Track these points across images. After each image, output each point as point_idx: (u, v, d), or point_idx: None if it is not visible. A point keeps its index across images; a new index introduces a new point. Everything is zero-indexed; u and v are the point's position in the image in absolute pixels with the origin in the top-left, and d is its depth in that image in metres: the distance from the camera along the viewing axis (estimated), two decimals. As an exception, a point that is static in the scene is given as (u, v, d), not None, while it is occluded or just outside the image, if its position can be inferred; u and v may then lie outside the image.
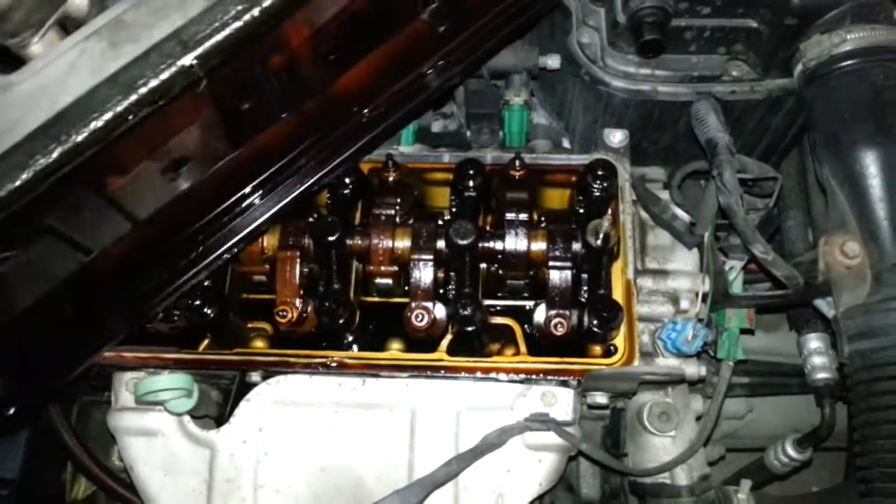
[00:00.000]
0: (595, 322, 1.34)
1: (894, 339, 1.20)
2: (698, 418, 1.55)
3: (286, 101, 1.24)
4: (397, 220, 1.44)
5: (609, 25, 1.49)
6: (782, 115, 1.56)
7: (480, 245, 1.37)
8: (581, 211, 1.46)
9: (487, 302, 1.45)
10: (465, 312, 1.32)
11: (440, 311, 1.37)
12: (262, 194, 1.34)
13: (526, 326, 1.43)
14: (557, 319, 1.34)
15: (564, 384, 1.38)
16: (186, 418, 1.40)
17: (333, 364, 1.38)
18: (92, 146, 1.00)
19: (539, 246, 1.39)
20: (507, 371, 1.38)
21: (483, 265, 1.45)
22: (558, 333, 1.34)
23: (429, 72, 1.38)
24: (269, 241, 1.43)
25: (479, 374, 1.38)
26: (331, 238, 1.36)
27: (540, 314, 1.39)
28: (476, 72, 1.61)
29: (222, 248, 1.33)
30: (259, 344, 1.43)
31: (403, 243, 1.41)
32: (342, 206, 1.46)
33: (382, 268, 1.42)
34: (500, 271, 1.44)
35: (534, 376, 1.38)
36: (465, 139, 1.68)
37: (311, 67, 1.22)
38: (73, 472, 1.69)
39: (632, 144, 1.54)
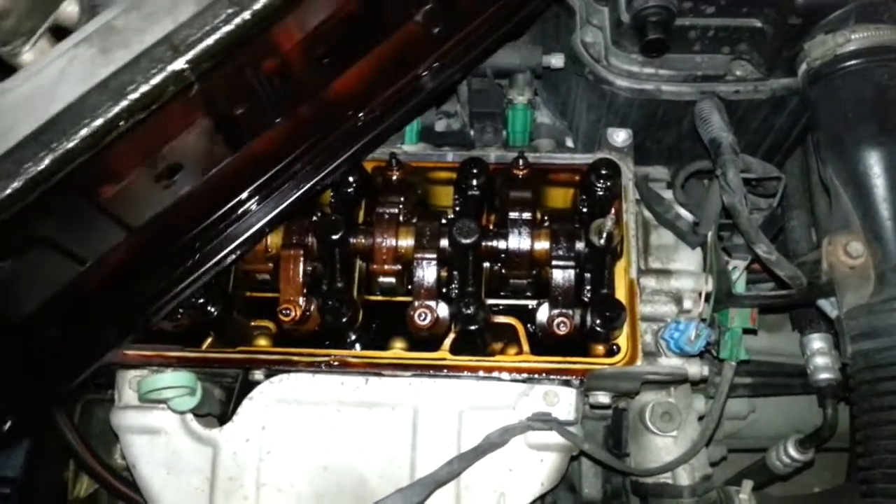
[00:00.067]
0: (598, 321, 1.34)
1: (898, 340, 1.20)
2: (700, 418, 1.55)
3: (280, 105, 1.23)
4: (401, 218, 1.44)
5: (613, 24, 1.48)
6: (786, 115, 1.56)
7: (483, 244, 1.37)
8: (584, 210, 1.46)
9: (490, 301, 1.45)
10: (468, 311, 1.32)
11: (443, 310, 1.37)
12: (258, 200, 1.33)
13: (529, 326, 1.43)
14: (560, 319, 1.34)
15: (567, 384, 1.38)
16: (189, 416, 1.40)
17: (336, 363, 1.38)
18: (83, 153, 0.98)
19: (542, 245, 1.39)
20: (509, 370, 1.38)
21: (486, 264, 1.45)
22: (561, 333, 1.34)
23: (424, 74, 1.37)
24: (273, 240, 1.43)
25: (481, 374, 1.38)
26: (334, 237, 1.36)
27: (543, 313, 1.39)
28: (472, 73, 1.60)
29: (219, 256, 1.32)
30: (262, 342, 1.44)
31: (407, 242, 1.41)
32: (346, 204, 1.46)
33: (386, 266, 1.42)
34: (503, 270, 1.44)
35: (536, 376, 1.37)
36: (469, 138, 1.68)
37: (305, 71, 1.21)
38: (76, 470, 1.69)
39: (635, 144, 1.54)
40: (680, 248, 1.53)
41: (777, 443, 1.62)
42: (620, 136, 1.54)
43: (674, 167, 1.69)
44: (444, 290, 1.42)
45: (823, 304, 1.36)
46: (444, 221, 1.43)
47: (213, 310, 1.37)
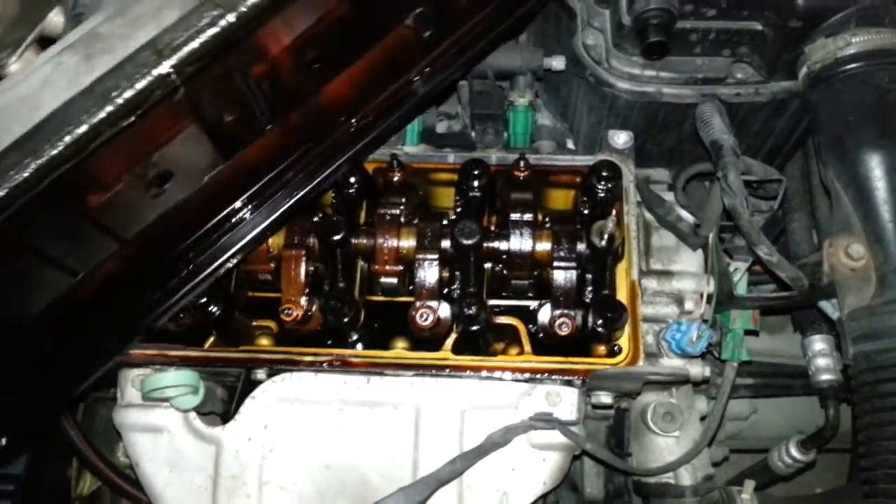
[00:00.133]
0: (599, 322, 1.34)
1: (899, 341, 1.20)
2: (702, 419, 1.55)
3: (271, 112, 1.21)
4: (402, 219, 1.44)
5: (614, 27, 1.49)
6: (787, 118, 1.56)
7: (485, 245, 1.38)
8: (585, 212, 1.47)
9: (492, 302, 1.46)
10: (470, 312, 1.33)
11: (445, 310, 1.38)
12: (251, 209, 1.32)
13: (530, 326, 1.44)
14: (562, 319, 1.35)
15: (569, 384, 1.39)
16: (192, 415, 1.41)
17: (338, 362, 1.39)
18: (68, 160, 0.97)
19: (544, 246, 1.39)
20: (511, 370, 1.38)
21: (487, 265, 1.45)
22: (563, 333, 1.34)
23: (416, 78, 1.37)
24: (275, 240, 1.43)
25: (483, 374, 1.38)
26: (336, 237, 1.37)
27: (544, 314, 1.40)
28: (472, 74, 1.60)
29: (214, 265, 1.31)
30: (264, 342, 1.44)
31: (408, 243, 1.41)
32: (347, 205, 1.46)
33: (387, 267, 1.43)
34: (505, 271, 1.44)
35: (538, 376, 1.38)
36: (470, 139, 1.69)
37: (295, 76, 1.20)
38: (79, 468, 1.70)
39: (636, 146, 1.55)
40: (681, 250, 1.53)
41: (779, 443, 1.62)
42: (621, 138, 1.54)
43: (675, 169, 1.70)
44: (445, 291, 1.42)
45: (825, 305, 1.37)
46: (445, 222, 1.44)
47: (215, 309, 1.37)
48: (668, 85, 1.49)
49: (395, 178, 1.51)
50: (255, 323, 1.47)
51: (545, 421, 1.35)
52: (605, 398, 1.48)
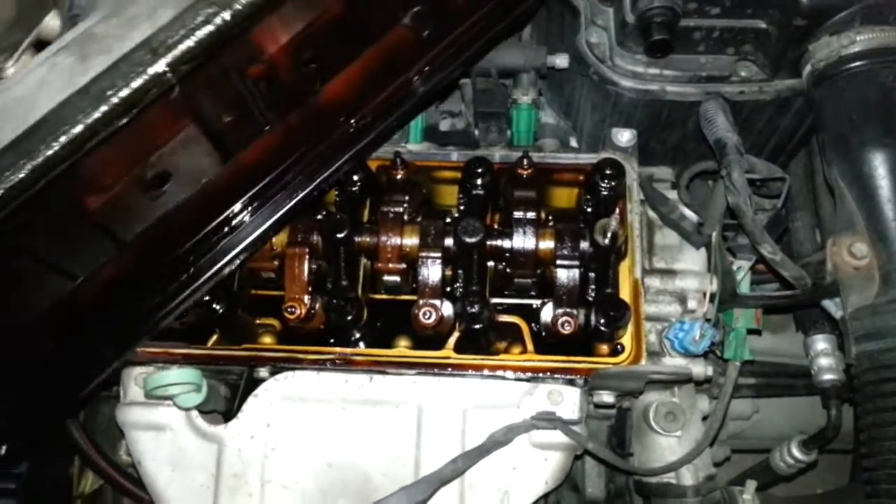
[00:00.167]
0: (602, 321, 1.34)
1: (902, 341, 1.20)
2: (704, 418, 1.55)
3: (270, 112, 1.21)
4: (405, 217, 1.44)
5: (618, 25, 1.49)
6: (791, 116, 1.56)
7: (488, 243, 1.38)
8: (589, 210, 1.47)
9: (495, 300, 1.46)
10: (473, 310, 1.33)
11: (448, 308, 1.38)
12: (251, 211, 1.31)
13: (533, 325, 1.44)
14: (565, 318, 1.34)
15: (571, 383, 1.39)
16: (194, 413, 1.41)
17: (341, 361, 1.39)
18: (64, 160, 0.96)
19: (547, 244, 1.39)
20: (513, 369, 1.38)
21: (490, 263, 1.45)
22: (565, 332, 1.34)
23: (415, 78, 1.36)
24: (278, 238, 1.43)
25: (485, 372, 1.38)
26: (339, 235, 1.37)
27: (547, 313, 1.39)
28: (476, 72, 1.59)
29: (214, 269, 1.31)
30: (267, 340, 1.44)
31: (411, 241, 1.41)
32: (351, 203, 1.46)
33: (390, 265, 1.43)
34: (508, 269, 1.44)
35: (540, 375, 1.38)
36: (473, 137, 1.68)
37: (293, 76, 1.19)
38: (81, 466, 1.70)
39: (640, 144, 1.55)
40: (684, 249, 1.53)
41: (781, 443, 1.61)
42: (625, 137, 1.54)
43: (678, 167, 1.69)
44: (448, 289, 1.42)
45: (828, 304, 1.37)
46: (448, 220, 1.44)
47: (218, 307, 1.38)
48: (671, 83, 1.49)
49: (399, 176, 1.51)
50: (258, 321, 1.47)
51: (547, 420, 1.35)
52: (607, 397, 1.47)
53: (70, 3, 1.26)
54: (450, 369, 1.38)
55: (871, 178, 1.30)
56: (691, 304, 1.46)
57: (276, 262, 1.45)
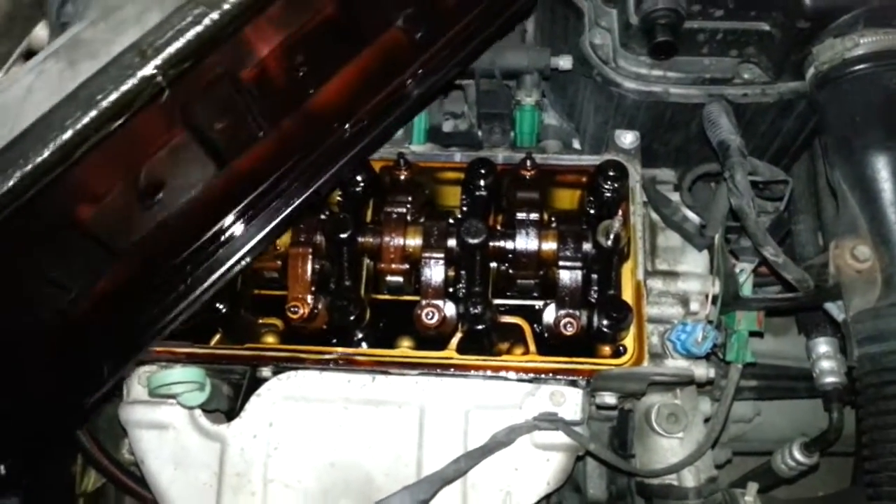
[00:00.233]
0: (605, 322, 1.34)
1: (904, 344, 1.20)
2: (706, 420, 1.55)
3: (263, 118, 1.19)
4: (408, 218, 1.44)
5: (621, 27, 1.49)
6: (794, 119, 1.56)
7: (491, 244, 1.38)
8: (591, 211, 1.47)
9: (497, 301, 1.46)
10: (475, 311, 1.33)
11: (450, 309, 1.38)
12: (247, 220, 1.30)
13: (535, 326, 1.44)
14: (567, 319, 1.35)
15: (573, 384, 1.39)
16: (197, 412, 1.41)
17: (343, 361, 1.39)
18: (54, 168, 0.94)
19: (549, 246, 1.39)
20: (516, 370, 1.38)
21: (493, 264, 1.45)
22: (568, 333, 1.34)
23: (409, 81, 1.35)
24: (282, 238, 1.44)
25: (488, 373, 1.38)
26: (343, 235, 1.37)
27: (550, 314, 1.40)
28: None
29: (212, 279, 1.29)
30: (270, 339, 1.44)
31: (414, 241, 1.42)
32: (354, 203, 1.47)
33: (393, 266, 1.43)
34: (511, 271, 1.44)
35: (543, 376, 1.38)
36: (477, 139, 1.69)
37: (286, 80, 1.17)
38: (83, 464, 1.70)
39: (643, 146, 1.55)
40: (687, 251, 1.53)
41: (782, 446, 1.61)
42: (628, 138, 1.54)
43: (681, 169, 1.69)
44: (451, 290, 1.42)
45: (830, 307, 1.37)
46: (451, 221, 1.44)
47: (221, 307, 1.38)
48: (675, 85, 1.49)
49: (402, 177, 1.51)
50: (261, 320, 1.47)
51: (549, 421, 1.35)
52: (609, 399, 1.48)
53: (58, 12, 1.25)
54: (452, 370, 1.39)
55: (873, 181, 1.30)
56: (693, 306, 1.46)
57: (279, 262, 1.45)
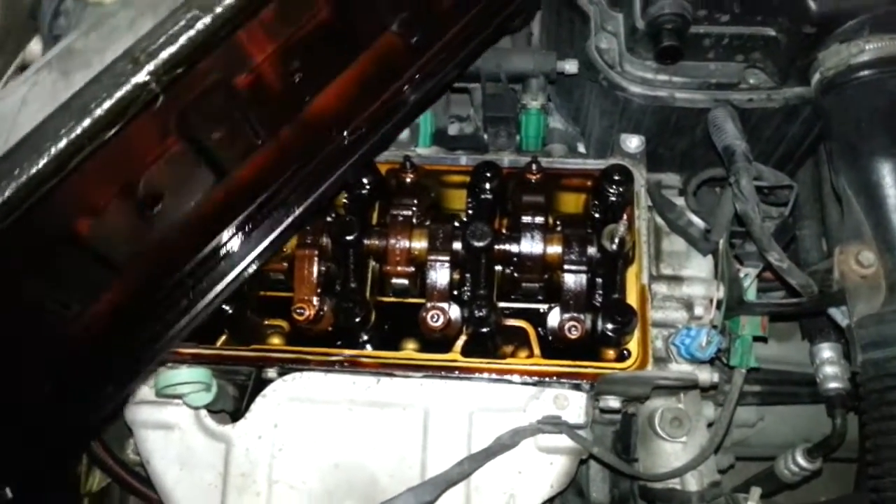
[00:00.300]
0: (609, 326, 1.34)
1: (908, 349, 1.21)
2: (710, 425, 1.55)
3: (261, 127, 1.18)
4: (414, 221, 1.45)
5: (628, 31, 1.50)
6: (799, 124, 1.56)
7: (496, 247, 1.38)
8: (597, 215, 1.47)
9: (502, 304, 1.46)
10: (480, 314, 1.34)
11: (455, 312, 1.38)
12: (248, 230, 1.28)
13: (540, 329, 1.44)
14: (572, 323, 1.35)
15: (577, 387, 1.39)
16: (203, 412, 1.42)
17: (348, 362, 1.39)
18: (49, 179, 0.92)
19: (554, 249, 1.40)
20: (520, 373, 1.39)
21: (498, 267, 1.46)
22: (572, 337, 1.35)
23: (406, 87, 1.35)
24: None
25: (492, 376, 1.39)
26: (349, 237, 1.38)
27: (554, 317, 1.40)
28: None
29: (215, 292, 1.27)
30: (275, 341, 1.45)
31: (420, 244, 1.42)
32: (360, 206, 1.47)
33: (399, 268, 1.44)
34: (516, 274, 1.45)
35: (547, 379, 1.39)
36: (482, 142, 1.69)
37: (282, 87, 1.16)
38: (88, 464, 1.71)
39: (648, 150, 1.55)
40: (691, 255, 1.53)
41: (785, 451, 1.61)
42: (633, 143, 1.55)
43: (686, 174, 1.70)
44: (456, 293, 1.43)
45: (834, 312, 1.37)
46: (457, 224, 1.45)
47: (227, 308, 1.38)
48: (680, 90, 1.50)
49: (408, 180, 1.51)
50: (266, 322, 1.48)
51: (553, 424, 1.36)
52: (613, 402, 1.48)
53: (51, 24, 1.25)
54: (457, 372, 1.39)
55: (878, 186, 1.31)
56: (698, 310, 1.46)
57: (285, 264, 1.46)
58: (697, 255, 1.53)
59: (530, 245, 1.40)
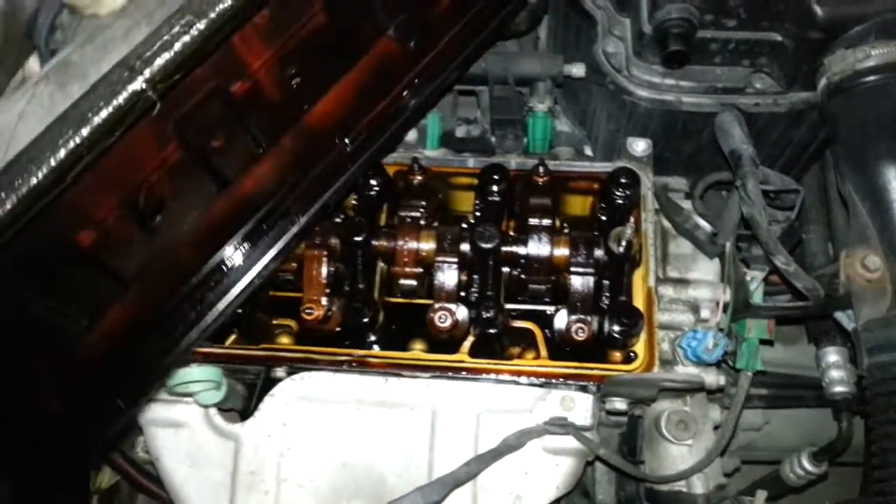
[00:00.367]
0: (616, 328, 1.35)
1: (914, 353, 1.21)
2: (716, 428, 1.56)
3: (262, 134, 1.17)
4: (422, 222, 1.46)
5: (635, 36, 1.51)
6: (805, 129, 1.57)
7: (503, 249, 1.39)
8: (603, 218, 1.48)
9: (509, 306, 1.47)
10: (488, 315, 1.35)
11: (462, 313, 1.39)
12: (254, 240, 1.26)
13: (547, 331, 1.45)
14: (578, 325, 1.36)
15: (584, 389, 1.40)
16: (213, 411, 1.43)
17: (357, 362, 1.41)
18: (50, 190, 0.91)
19: (561, 252, 1.41)
20: (527, 374, 1.39)
21: (505, 269, 1.47)
22: (579, 339, 1.36)
23: (405, 92, 1.35)
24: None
25: (499, 377, 1.40)
26: (357, 238, 1.39)
27: (561, 319, 1.41)
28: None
29: (223, 303, 1.25)
30: (284, 340, 1.46)
31: (428, 245, 1.43)
32: (368, 207, 1.49)
33: (407, 269, 1.45)
34: (523, 276, 1.46)
35: (554, 380, 1.39)
36: (490, 144, 1.70)
37: (280, 94, 1.16)
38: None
39: (655, 154, 1.56)
40: (698, 258, 1.54)
41: (791, 455, 1.62)
42: (640, 146, 1.56)
43: (693, 178, 1.70)
44: (463, 294, 1.44)
45: (840, 316, 1.37)
46: (464, 226, 1.46)
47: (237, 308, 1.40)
48: (687, 94, 1.51)
49: (416, 181, 1.53)
50: (275, 321, 1.49)
51: (559, 426, 1.36)
52: (619, 404, 1.48)
53: (47, 39, 1.25)
54: (464, 373, 1.40)
55: (884, 191, 1.31)
56: (704, 313, 1.47)
57: (294, 264, 1.47)
58: (704, 259, 1.54)
59: (537, 247, 1.41)
